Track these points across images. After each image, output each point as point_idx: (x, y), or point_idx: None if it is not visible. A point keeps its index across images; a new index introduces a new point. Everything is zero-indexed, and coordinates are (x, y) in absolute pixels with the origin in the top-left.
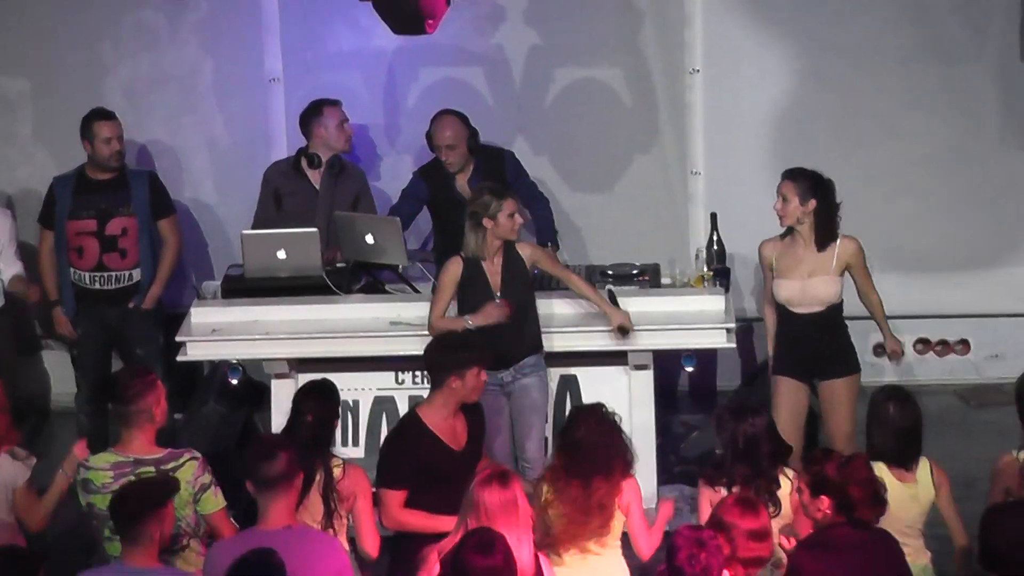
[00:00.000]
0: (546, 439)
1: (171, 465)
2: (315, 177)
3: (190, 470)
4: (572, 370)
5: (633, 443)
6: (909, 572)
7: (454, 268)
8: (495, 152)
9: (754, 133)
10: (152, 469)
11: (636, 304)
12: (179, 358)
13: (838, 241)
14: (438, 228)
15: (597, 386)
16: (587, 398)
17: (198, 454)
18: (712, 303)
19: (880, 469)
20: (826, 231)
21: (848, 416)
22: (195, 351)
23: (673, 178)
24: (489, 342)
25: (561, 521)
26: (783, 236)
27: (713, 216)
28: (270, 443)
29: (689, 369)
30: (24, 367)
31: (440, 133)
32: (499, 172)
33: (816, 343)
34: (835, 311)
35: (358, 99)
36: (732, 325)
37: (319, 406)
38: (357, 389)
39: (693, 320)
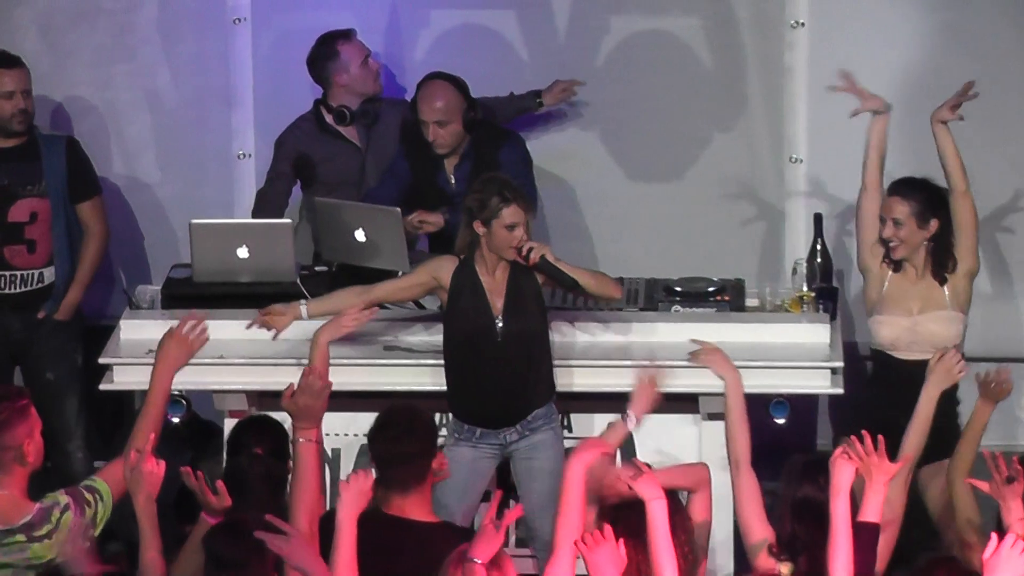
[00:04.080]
0: None
1: (44, 529)
2: (351, 133)
3: (66, 524)
4: None
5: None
6: None
7: (440, 267)
8: (497, 133)
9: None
10: (23, 538)
11: (712, 332)
12: (102, 386)
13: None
14: None
15: (658, 438)
16: (644, 453)
17: (64, 496)
18: (813, 333)
19: None
20: (947, 257)
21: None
22: (124, 377)
23: (765, 166)
24: (491, 392)
25: None
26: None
27: (817, 218)
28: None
29: (780, 421)
30: None
31: (428, 104)
32: (493, 159)
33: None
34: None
35: None
36: (839, 364)
37: (267, 439)
38: (339, 435)
39: (787, 356)
